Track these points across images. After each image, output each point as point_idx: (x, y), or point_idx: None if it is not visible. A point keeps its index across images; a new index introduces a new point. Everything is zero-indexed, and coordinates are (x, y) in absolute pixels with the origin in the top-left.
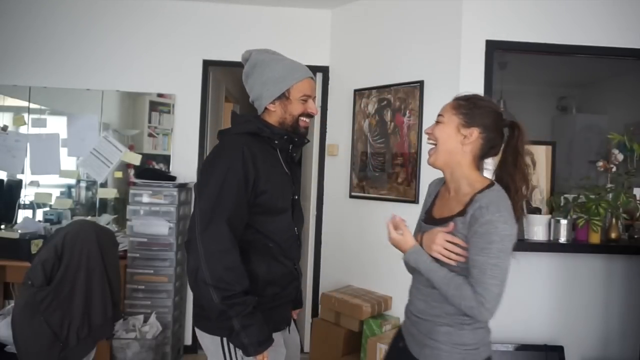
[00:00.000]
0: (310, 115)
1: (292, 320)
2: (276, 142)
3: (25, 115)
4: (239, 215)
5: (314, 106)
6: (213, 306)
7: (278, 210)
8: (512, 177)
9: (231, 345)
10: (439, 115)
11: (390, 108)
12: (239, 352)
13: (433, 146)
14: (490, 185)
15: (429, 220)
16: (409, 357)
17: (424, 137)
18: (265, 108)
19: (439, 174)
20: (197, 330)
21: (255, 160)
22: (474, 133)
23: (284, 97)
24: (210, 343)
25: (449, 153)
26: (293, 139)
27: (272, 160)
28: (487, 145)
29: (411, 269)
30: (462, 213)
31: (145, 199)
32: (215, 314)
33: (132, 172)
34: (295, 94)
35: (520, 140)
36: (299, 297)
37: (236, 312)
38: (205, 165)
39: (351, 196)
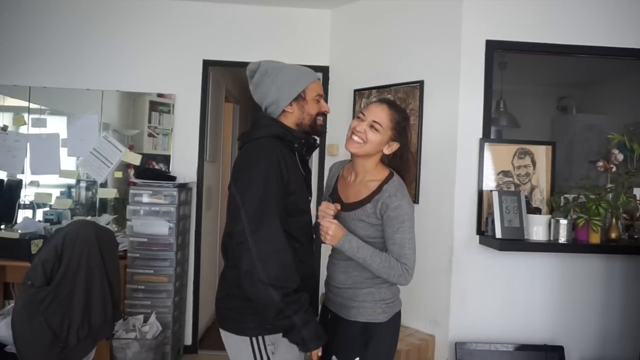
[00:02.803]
0: (324, 114)
1: None
2: (296, 145)
3: (25, 115)
4: (282, 215)
5: (327, 105)
6: (272, 305)
7: (301, 211)
8: (405, 165)
9: (261, 345)
10: (376, 122)
11: None
12: (270, 349)
13: (360, 141)
14: (391, 175)
15: (338, 202)
16: (337, 325)
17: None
18: (283, 110)
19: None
20: (224, 332)
21: (286, 163)
22: (395, 146)
23: (300, 97)
24: (238, 343)
25: (372, 150)
26: (309, 141)
27: (293, 163)
28: (402, 151)
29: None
30: (369, 199)
31: (145, 199)
32: (274, 312)
33: (132, 172)
34: (310, 93)
35: (410, 139)
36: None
37: (294, 309)
38: (244, 169)
39: None
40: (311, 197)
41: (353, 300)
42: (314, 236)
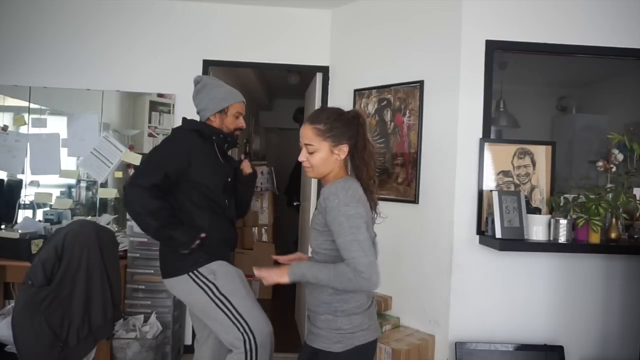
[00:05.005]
0: (241, 129)
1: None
2: (214, 138)
3: (26, 115)
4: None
5: (243, 122)
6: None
7: (205, 185)
8: (362, 161)
9: (200, 276)
10: (308, 144)
11: (390, 108)
12: (210, 278)
13: (310, 167)
14: (338, 179)
15: None
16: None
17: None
18: (208, 118)
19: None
20: (167, 281)
21: (197, 147)
22: (345, 147)
23: (223, 112)
24: (182, 284)
25: (326, 168)
26: (227, 139)
27: (209, 151)
28: (353, 146)
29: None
30: (317, 207)
31: None
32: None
33: (132, 172)
34: (231, 111)
35: (362, 126)
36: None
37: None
38: (155, 148)
39: None
40: (230, 178)
41: (314, 326)
42: None
